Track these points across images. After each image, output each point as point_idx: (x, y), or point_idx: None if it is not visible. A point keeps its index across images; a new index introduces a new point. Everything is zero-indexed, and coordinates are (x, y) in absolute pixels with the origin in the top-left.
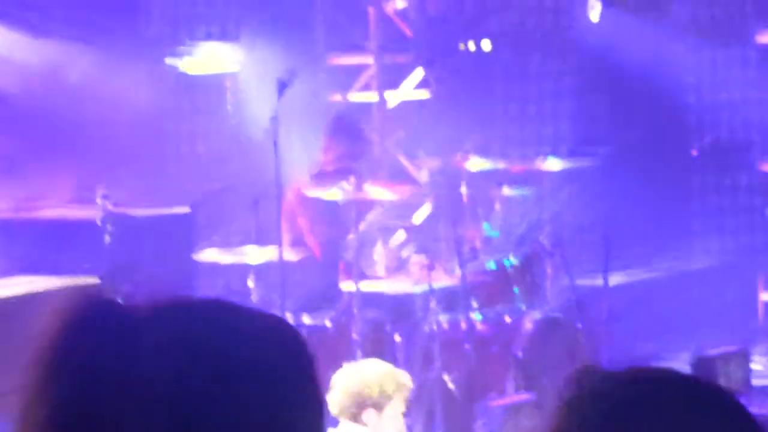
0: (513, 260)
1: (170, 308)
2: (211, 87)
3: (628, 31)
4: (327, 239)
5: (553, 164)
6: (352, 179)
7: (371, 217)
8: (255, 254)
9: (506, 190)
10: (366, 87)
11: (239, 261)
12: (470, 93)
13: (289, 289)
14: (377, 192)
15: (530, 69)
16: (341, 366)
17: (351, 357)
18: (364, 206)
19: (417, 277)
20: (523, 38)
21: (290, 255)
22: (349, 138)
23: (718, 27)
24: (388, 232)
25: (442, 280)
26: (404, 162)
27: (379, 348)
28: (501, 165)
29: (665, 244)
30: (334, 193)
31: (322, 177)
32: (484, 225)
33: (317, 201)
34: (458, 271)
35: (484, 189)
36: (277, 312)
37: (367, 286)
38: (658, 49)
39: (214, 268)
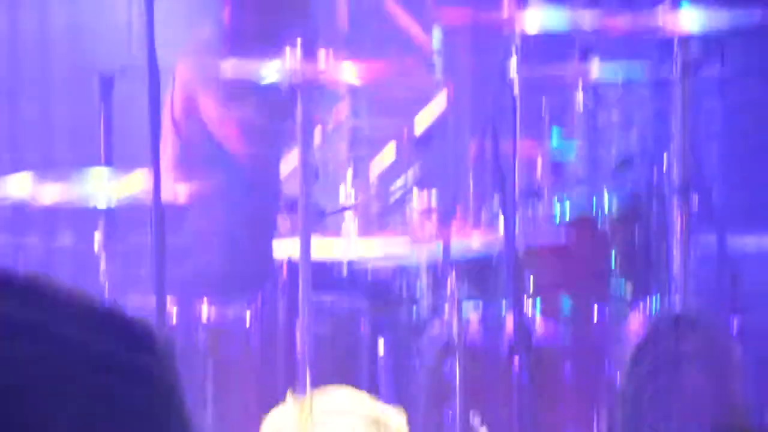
0: (611, 206)
1: None
2: None
3: None
4: (257, 153)
5: (692, 19)
6: (296, 46)
7: (333, 118)
8: (105, 187)
9: (597, 69)
10: None
11: (71, 200)
12: None
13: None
14: (344, 69)
15: None
16: (276, 402)
17: (294, 383)
18: (318, 96)
19: (419, 234)
20: None
21: (177, 189)
22: None
23: None
24: (365, 147)
25: (468, 240)
26: (397, 12)
27: (346, 365)
28: (586, 18)
29: None
30: (264, 69)
31: (237, 43)
32: (554, 134)
33: (235, 83)
34: (500, 224)
35: (549, 65)
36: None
37: (323, 249)
38: None
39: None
